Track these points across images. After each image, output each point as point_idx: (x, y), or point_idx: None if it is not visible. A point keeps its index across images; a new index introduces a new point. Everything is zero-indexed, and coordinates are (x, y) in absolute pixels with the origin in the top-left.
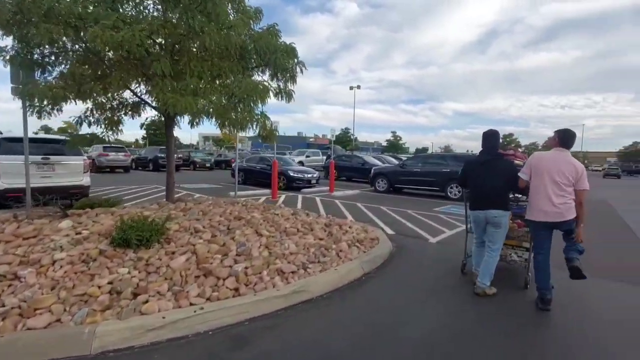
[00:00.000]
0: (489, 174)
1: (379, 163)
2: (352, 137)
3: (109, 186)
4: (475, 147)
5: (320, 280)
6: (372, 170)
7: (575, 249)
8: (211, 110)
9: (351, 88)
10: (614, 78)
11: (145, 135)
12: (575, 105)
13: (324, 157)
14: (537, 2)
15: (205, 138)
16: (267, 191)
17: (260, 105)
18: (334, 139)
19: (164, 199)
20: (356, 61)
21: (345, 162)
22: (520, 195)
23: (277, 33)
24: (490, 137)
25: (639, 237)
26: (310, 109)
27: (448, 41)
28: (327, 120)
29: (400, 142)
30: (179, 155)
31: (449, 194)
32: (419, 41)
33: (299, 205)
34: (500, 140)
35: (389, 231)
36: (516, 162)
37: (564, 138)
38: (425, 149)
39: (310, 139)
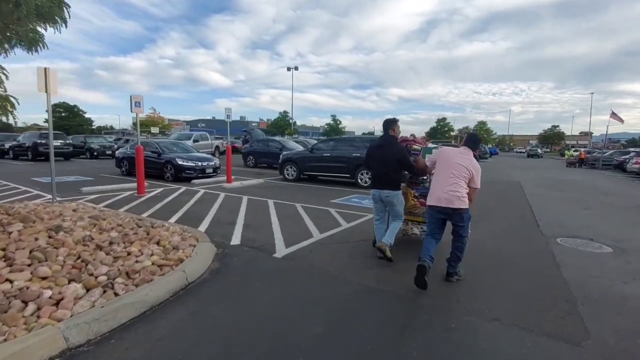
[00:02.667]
0: (384, 158)
1: (300, 148)
2: (290, 120)
3: None
4: (418, 131)
5: None
6: (281, 157)
7: (458, 252)
8: None
9: (289, 69)
10: (537, 68)
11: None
12: (504, 92)
13: (214, 142)
14: None
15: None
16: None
17: None
18: (229, 119)
19: None
20: (303, 44)
21: (263, 148)
22: (425, 177)
23: None
24: (386, 124)
25: (542, 231)
26: (258, 93)
27: (392, 28)
28: (275, 105)
29: (341, 126)
30: (67, 141)
31: (359, 181)
32: (365, 27)
33: (164, 201)
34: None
35: (236, 240)
36: (414, 147)
37: (469, 141)
38: (371, 133)
39: (253, 124)
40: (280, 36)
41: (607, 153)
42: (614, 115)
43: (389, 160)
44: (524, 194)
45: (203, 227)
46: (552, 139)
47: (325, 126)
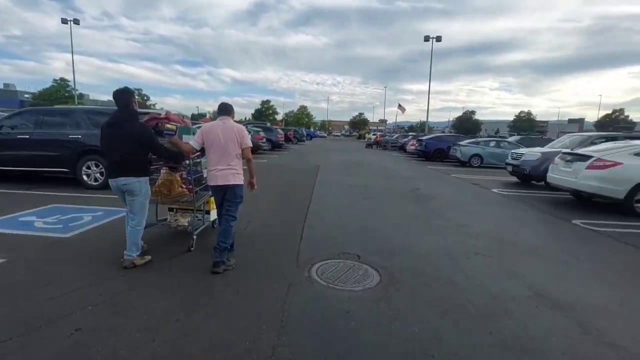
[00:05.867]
0: (118, 138)
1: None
2: (73, 92)
3: None
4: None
5: None
6: None
7: (224, 239)
8: None
9: (64, 22)
10: (349, 64)
11: None
12: (326, 82)
13: None
14: None
15: None
16: None
17: None
18: None
19: None
20: (112, 3)
21: None
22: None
23: None
24: (120, 96)
25: (301, 253)
26: (47, 57)
27: (220, 4)
28: (78, 75)
29: (149, 102)
30: None
31: (85, 177)
32: None
33: None
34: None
35: None
36: (167, 126)
37: (221, 110)
38: (202, 115)
39: (26, 95)
40: None
41: (394, 137)
42: (399, 107)
43: (126, 141)
44: (314, 184)
45: None
46: (359, 124)
47: None
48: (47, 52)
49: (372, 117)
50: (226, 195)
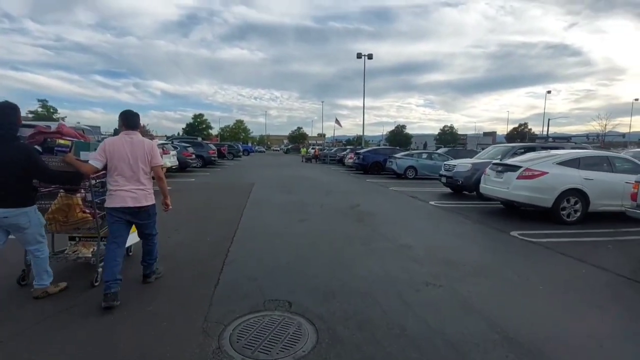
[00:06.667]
0: None
1: None
2: None
3: None
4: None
5: None
6: None
7: (150, 255)
8: None
9: None
10: (287, 79)
11: None
12: (263, 97)
13: None
14: (228, 0)
15: None
16: None
17: None
18: None
19: None
20: (13, 3)
21: None
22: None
23: None
24: None
25: (213, 304)
26: None
27: (146, 12)
28: None
29: (57, 115)
30: None
31: None
32: (111, 2)
33: None
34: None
35: None
36: (60, 141)
37: (124, 121)
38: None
39: None
40: None
41: (333, 150)
42: (337, 121)
43: (5, 165)
44: (244, 205)
45: None
46: (298, 138)
47: (29, 114)
48: None
49: (311, 131)
50: (138, 218)
